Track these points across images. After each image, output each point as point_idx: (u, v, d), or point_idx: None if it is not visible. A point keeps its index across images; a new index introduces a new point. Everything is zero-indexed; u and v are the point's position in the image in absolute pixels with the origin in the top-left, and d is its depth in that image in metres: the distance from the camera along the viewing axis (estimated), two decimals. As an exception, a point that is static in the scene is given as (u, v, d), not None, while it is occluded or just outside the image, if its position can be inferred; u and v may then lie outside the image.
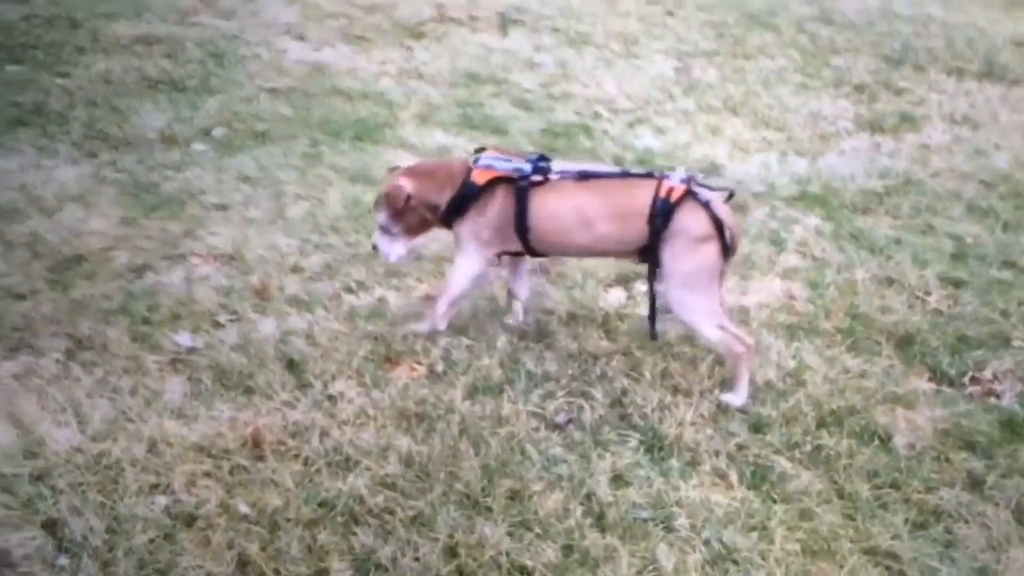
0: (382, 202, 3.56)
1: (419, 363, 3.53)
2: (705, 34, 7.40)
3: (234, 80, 5.92)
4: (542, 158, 3.45)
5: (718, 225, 3.24)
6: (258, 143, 5.17)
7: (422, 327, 3.65)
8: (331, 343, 3.59)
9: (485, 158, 3.46)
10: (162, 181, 4.70)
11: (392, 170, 3.69)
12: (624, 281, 4.12)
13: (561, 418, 3.32)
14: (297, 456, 3.06)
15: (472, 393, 3.38)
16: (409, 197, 3.50)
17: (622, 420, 3.33)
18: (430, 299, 3.89)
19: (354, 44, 6.66)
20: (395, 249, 3.65)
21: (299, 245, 4.24)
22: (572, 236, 3.38)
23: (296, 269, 4.07)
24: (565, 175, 3.37)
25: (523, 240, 3.43)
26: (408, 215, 3.53)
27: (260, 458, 3.04)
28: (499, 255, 3.59)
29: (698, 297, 3.30)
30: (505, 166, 3.41)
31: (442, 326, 3.64)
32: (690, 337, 3.68)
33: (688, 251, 3.25)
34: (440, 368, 3.50)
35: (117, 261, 4.05)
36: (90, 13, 6.76)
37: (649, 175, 3.38)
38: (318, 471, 3.01)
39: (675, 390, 3.46)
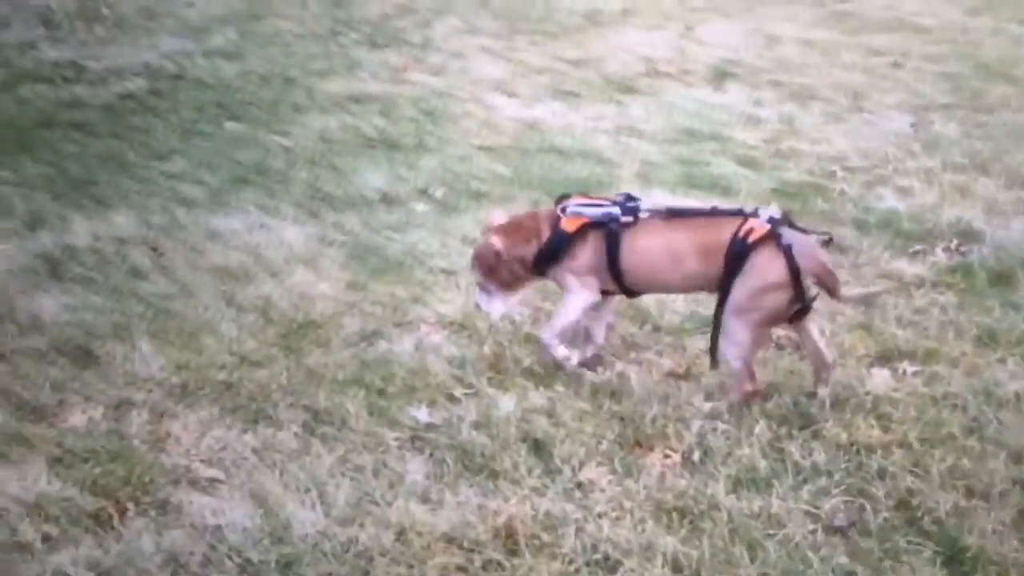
0: (475, 261, 3.59)
1: (672, 449, 3.24)
2: (939, 87, 6.90)
3: (448, 138, 5.84)
4: (630, 198, 3.45)
5: (795, 273, 3.16)
6: (477, 203, 5.03)
7: (547, 355, 3.62)
8: (575, 423, 3.35)
9: (573, 205, 3.46)
10: (386, 243, 4.61)
11: (485, 228, 3.66)
12: (887, 359, 3.72)
13: (841, 520, 2.95)
14: (554, 554, 2.80)
15: (735, 487, 3.06)
16: (498, 254, 3.49)
17: (911, 525, 2.93)
18: (673, 376, 3.62)
19: (565, 100, 6.51)
20: (495, 306, 3.65)
21: (530, 312, 4.03)
22: (663, 274, 3.41)
23: (529, 339, 3.86)
24: (654, 214, 3.38)
25: (618, 281, 3.44)
26: (501, 271, 3.54)
27: (514, 552, 2.80)
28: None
29: (745, 331, 3.27)
30: (595, 212, 3.41)
31: (553, 351, 3.60)
32: (978, 428, 3.26)
33: (757, 292, 3.22)
34: (696, 456, 3.19)
35: (348, 328, 3.94)
36: (304, 71, 6.86)
37: (739, 212, 3.34)
38: (577, 571, 2.74)
39: (969, 492, 3.04)
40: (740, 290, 3.23)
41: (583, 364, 3.65)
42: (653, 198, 3.51)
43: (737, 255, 3.20)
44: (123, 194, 4.96)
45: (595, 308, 3.63)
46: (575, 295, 3.51)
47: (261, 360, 3.74)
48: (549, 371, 3.60)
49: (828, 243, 3.30)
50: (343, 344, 3.85)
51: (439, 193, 5.15)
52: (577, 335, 3.73)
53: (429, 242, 4.61)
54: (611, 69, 7.09)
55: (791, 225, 3.30)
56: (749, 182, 5.36)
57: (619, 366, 3.70)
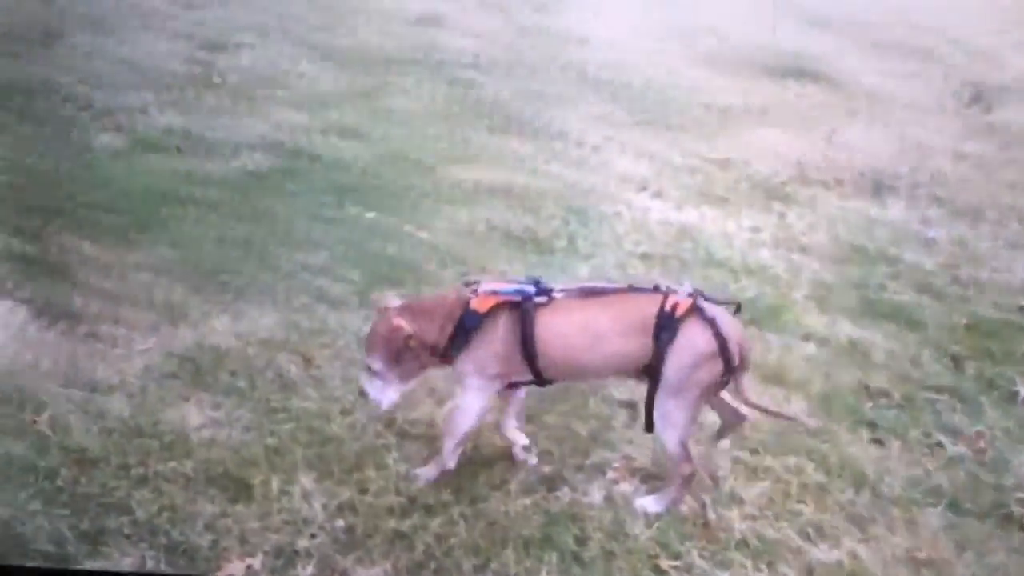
0: (376, 345, 3.31)
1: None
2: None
3: (601, 242, 5.43)
4: (539, 281, 3.33)
5: (722, 343, 3.13)
6: (643, 321, 4.59)
7: (429, 471, 3.40)
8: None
9: (485, 285, 3.32)
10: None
11: (381, 310, 3.39)
12: None
13: None
14: None
15: None
16: (409, 337, 3.25)
17: None
18: (915, 561, 3.13)
19: (716, 205, 6.08)
20: (388, 395, 3.38)
21: (731, 466, 3.57)
22: (580, 356, 3.26)
23: (735, 499, 3.39)
24: (569, 293, 3.27)
25: (531, 366, 3.25)
26: (406, 357, 3.30)
27: None
28: (507, 386, 3.38)
29: (682, 411, 3.20)
30: (507, 289, 3.27)
31: (451, 464, 3.39)
32: None
33: (689, 367, 3.15)
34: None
35: (525, 469, 3.50)
36: (430, 154, 6.49)
37: (655, 289, 3.29)
38: None
39: None
40: (673, 365, 3.14)
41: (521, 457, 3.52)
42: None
43: (667, 329, 3.13)
44: (264, 288, 4.58)
45: (509, 405, 3.52)
46: (470, 399, 3.32)
47: (434, 504, 3.31)
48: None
49: (737, 311, 3.35)
50: (522, 489, 3.41)
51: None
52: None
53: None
54: (758, 172, 6.66)
55: (707, 298, 3.27)
56: (935, 313, 4.88)
57: (846, 543, 3.23)
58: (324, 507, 3.26)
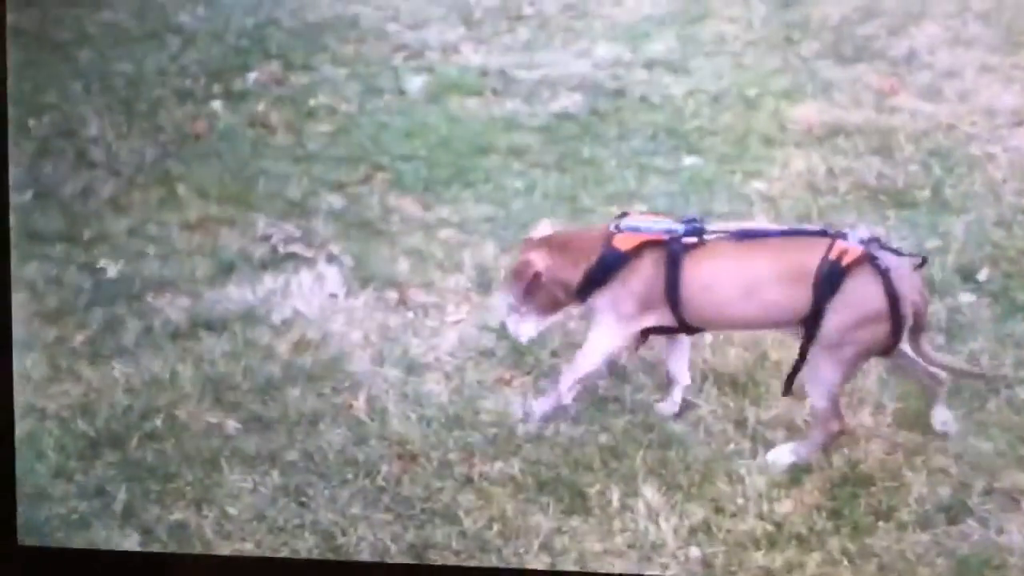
0: (511, 277, 3.21)
1: None
2: None
3: (974, 193, 4.53)
4: (694, 220, 3.04)
5: (893, 300, 2.78)
6: (1039, 296, 3.74)
7: (543, 405, 3.16)
8: None
9: (630, 220, 3.08)
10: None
11: (526, 239, 3.25)
12: None
13: None
14: None
15: None
16: (538, 275, 3.10)
17: None
18: None
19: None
20: (525, 329, 3.24)
21: None
22: (733, 306, 2.96)
23: None
24: (723, 235, 2.97)
25: (675, 313, 2.96)
26: (538, 293, 3.14)
27: None
28: (645, 333, 3.08)
29: (834, 370, 2.88)
30: (654, 227, 3.02)
31: (567, 400, 3.15)
32: None
33: (851, 325, 2.83)
34: None
35: (914, 490, 2.84)
36: (765, 90, 5.75)
37: (823, 233, 2.95)
38: None
39: None
40: (832, 321, 2.83)
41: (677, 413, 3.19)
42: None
43: (828, 281, 2.81)
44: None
45: (670, 343, 3.20)
46: (601, 335, 3.09)
47: (806, 534, 2.73)
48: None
49: (921, 265, 2.97)
50: (916, 519, 2.76)
51: (983, 275, 3.90)
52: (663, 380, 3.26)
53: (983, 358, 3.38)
54: None
55: (884, 247, 2.91)
56: None
57: None
58: (675, 530, 2.76)
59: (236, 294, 3.87)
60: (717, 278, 2.96)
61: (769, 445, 3.03)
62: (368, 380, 3.39)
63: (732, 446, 3.05)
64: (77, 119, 5.07)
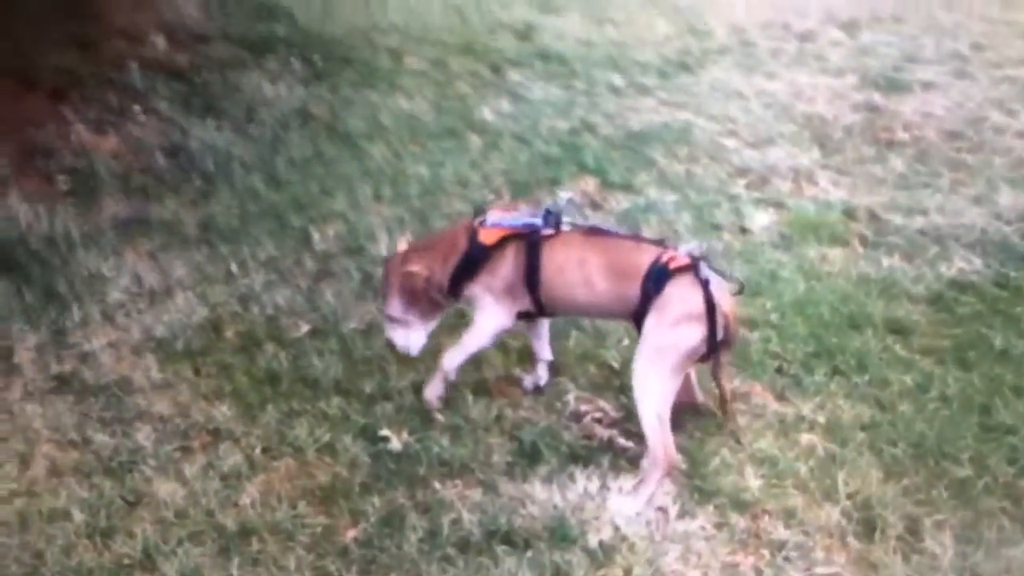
0: (393, 291, 3.34)
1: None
2: None
3: None
4: (550, 212, 3.22)
5: (710, 308, 2.97)
6: None
7: (434, 389, 3.33)
8: None
9: (492, 216, 3.28)
10: None
11: (390, 257, 3.49)
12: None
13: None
14: None
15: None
16: (427, 279, 3.26)
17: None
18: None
19: None
20: (414, 340, 3.38)
21: None
22: (575, 291, 3.20)
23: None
24: (576, 228, 3.24)
25: (533, 297, 3.20)
26: (422, 299, 3.30)
27: None
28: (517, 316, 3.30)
29: (658, 377, 3.01)
30: (515, 222, 3.23)
31: (453, 376, 3.35)
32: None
33: (671, 324, 3.01)
34: None
35: None
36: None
37: (660, 242, 3.25)
38: None
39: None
40: (652, 329, 3.03)
41: (536, 389, 3.45)
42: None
43: (655, 280, 3.03)
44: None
45: (532, 326, 3.44)
46: (488, 316, 3.28)
47: None
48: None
49: (739, 292, 3.20)
50: None
51: None
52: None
53: None
54: None
55: (709, 265, 3.09)
56: None
57: None
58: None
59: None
60: (567, 264, 3.17)
61: None
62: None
63: None
64: (365, 233, 4.36)
